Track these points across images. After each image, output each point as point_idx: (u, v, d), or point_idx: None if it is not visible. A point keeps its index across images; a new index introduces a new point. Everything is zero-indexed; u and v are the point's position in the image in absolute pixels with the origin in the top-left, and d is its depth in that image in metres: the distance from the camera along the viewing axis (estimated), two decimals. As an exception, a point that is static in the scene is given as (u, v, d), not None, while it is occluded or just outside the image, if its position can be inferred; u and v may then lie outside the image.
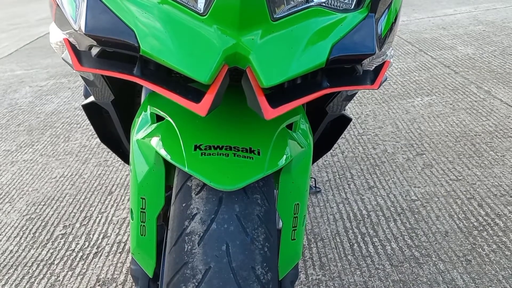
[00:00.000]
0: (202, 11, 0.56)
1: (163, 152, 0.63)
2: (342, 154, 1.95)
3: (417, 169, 1.77)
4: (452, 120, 2.12)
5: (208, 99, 0.55)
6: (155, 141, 0.65)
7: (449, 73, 2.68)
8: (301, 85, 0.61)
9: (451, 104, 2.28)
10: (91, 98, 0.92)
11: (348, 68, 0.64)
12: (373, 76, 0.65)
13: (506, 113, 2.11)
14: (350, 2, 0.62)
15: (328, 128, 1.00)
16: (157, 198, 0.67)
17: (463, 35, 3.35)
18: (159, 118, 0.70)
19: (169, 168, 0.67)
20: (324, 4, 0.60)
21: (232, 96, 0.67)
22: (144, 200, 0.67)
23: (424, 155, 1.85)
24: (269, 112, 0.56)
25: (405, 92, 2.51)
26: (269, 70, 0.55)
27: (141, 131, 0.70)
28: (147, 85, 0.59)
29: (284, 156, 0.64)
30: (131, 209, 0.71)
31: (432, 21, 3.84)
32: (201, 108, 0.56)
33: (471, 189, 1.60)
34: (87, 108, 0.94)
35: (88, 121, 1.14)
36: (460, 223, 1.44)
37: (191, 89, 0.58)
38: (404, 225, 1.46)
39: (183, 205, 0.60)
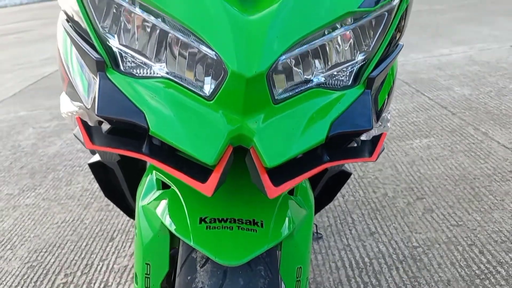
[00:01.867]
0: (208, 96, 0.59)
1: (168, 222, 0.64)
2: (343, 198, 1.96)
3: (418, 214, 1.77)
4: (451, 163, 2.14)
5: (214, 179, 0.58)
6: (160, 210, 0.67)
7: (446, 114, 2.73)
8: (302, 161, 0.63)
9: (449, 146, 2.31)
10: (97, 157, 0.95)
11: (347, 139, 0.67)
12: (371, 147, 0.68)
13: (504, 156, 2.14)
14: (347, 79, 0.66)
15: (328, 183, 1.02)
16: (161, 263, 0.68)
17: (459, 75, 3.42)
18: (164, 184, 0.72)
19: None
20: (323, 85, 0.64)
21: (235, 168, 0.70)
22: (148, 266, 0.68)
23: (424, 199, 1.86)
24: (272, 191, 0.59)
25: (404, 133, 2.54)
26: (271, 151, 0.58)
27: (147, 197, 0.72)
28: (155, 163, 0.61)
29: (287, 225, 0.66)
30: (135, 273, 0.72)
31: (428, 61, 3.93)
32: (207, 188, 0.58)
33: (472, 235, 1.60)
34: (93, 166, 0.96)
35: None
36: (462, 271, 1.44)
37: (197, 167, 0.61)
38: (406, 273, 1.46)
39: (188, 278, 0.61)
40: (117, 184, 1.00)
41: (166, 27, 0.60)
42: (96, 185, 2.37)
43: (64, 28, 0.71)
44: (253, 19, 0.56)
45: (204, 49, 0.58)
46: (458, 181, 1.97)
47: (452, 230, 1.65)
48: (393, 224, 1.72)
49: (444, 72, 3.54)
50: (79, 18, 0.65)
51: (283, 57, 0.58)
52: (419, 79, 3.45)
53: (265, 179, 0.59)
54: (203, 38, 0.57)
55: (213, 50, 0.57)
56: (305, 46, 0.59)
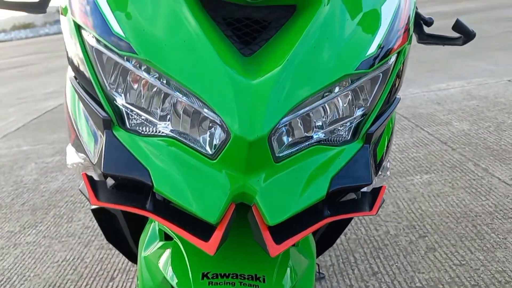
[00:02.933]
0: (211, 155, 0.61)
1: (170, 276, 0.65)
2: (345, 236, 1.96)
3: (420, 253, 1.76)
4: (452, 199, 2.14)
5: (216, 237, 0.59)
6: (162, 262, 0.68)
7: (446, 149, 2.75)
8: (303, 216, 0.65)
9: (450, 183, 2.31)
10: (101, 203, 0.96)
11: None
12: (371, 199, 0.69)
13: (505, 192, 2.14)
14: (346, 134, 0.68)
15: (329, 227, 1.02)
16: None
17: (457, 110, 3.46)
18: (167, 234, 0.73)
19: None
20: (323, 141, 0.66)
21: (237, 224, 0.71)
22: None
23: (426, 238, 1.86)
24: (274, 249, 0.60)
25: (404, 169, 2.55)
26: (273, 209, 0.59)
27: (150, 247, 0.72)
28: (158, 221, 0.62)
29: (289, 278, 0.66)
30: None
31: (426, 95, 3.98)
32: (210, 246, 0.59)
33: (475, 275, 1.59)
34: (96, 212, 0.97)
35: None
36: (466, 313, 1.42)
37: (200, 224, 0.62)
38: (410, 315, 1.44)
39: None
40: (120, 230, 1.00)
41: (170, 91, 0.62)
42: (97, 223, 2.36)
43: (72, 84, 0.74)
44: (255, 84, 0.58)
45: (207, 112, 0.60)
46: (460, 218, 1.97)
47: (455, 269, 1.63)
48: (396, 264, 1.71)
49: (442, 107, 3.58)
50: (87, 76, 0.68)
51: (284, 119, 0.60)
52: (418, 114, 3.49)
53: (267, 237, 0.60)
54: (206, 102, 0.59)
55: (216, 114, 0.59)
56: (306, 108, 0.62)
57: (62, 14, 0.79)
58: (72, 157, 0.80)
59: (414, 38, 1.03)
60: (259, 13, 0.65)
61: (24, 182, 3.11)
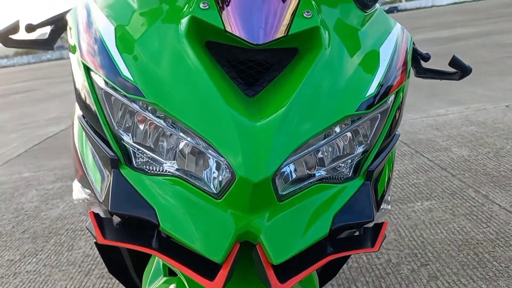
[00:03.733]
0: (216, 195, 0.63)
1: None
2: (347, 265, 1.95)
3: (423, 281, 1.76)
4: (453, 227, 2.14)
5: (221, 276, 0.60)
6: None
7: (446, 176, 2.76)
8: (307, 254, 0.66)
9: (451, 210, 2.32)
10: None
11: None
12: (373, 235, 0.71)
13: (506, 220, 2.14)
14: (348, 171, 0.70)
15: (331, 260, 1.03)
16: None
17: (456, 136, 3.49)
18: (171, 270, 0.74)
19: None
20: (325, 179, 0.67)
21: (241, 261, 0.72)
22: None
23: (428, 266, 1.85)
24: (278, 287, 0.61)
25: (405, 196, 2.56)
26: (278, 248, 0.61)
27: (154, 283, 0.73)
28: (164, 259, 0.64)
29: None
30: None
31: (425, 121, 4.02)
32: (215, 285, 0.60)
33: (479, 304, 1.58)
34: (100, 245, 0.98)
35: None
36: None
37: (205, 262, 0.63)
38: None
39: None
40: (123, 262, 1.01)
41: (176, 132, 0.64)
42: (97, 251, 2.36)
43: (80, 123, 0.76)
44: (259, 126, 0.60)
45: (212, 153, 0.62)
46: (461, 246, 1.97)
47: (458, 299, 1.62)
48: (398, 293, 1.70)
49: (441, 133, 3.61)
50: (95, 115, 0.70)
51: (287, 161, 0.62)
52: (417, 140, 3.52)
53: (271, 275, 0.61)
54: (212, 143, 0.61)
55: (221, 156, 0.61)
56: (308, 149, 0.64)
57: (71, 51, 0.82)
58: (79, 193, 0.81)
59: (412, 72, 1.06)
60: (262, 56, 0.68)
61: (25, 210, 3.11)
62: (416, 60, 1.05)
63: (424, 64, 1.06)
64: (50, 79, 15.39)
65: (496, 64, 6.37)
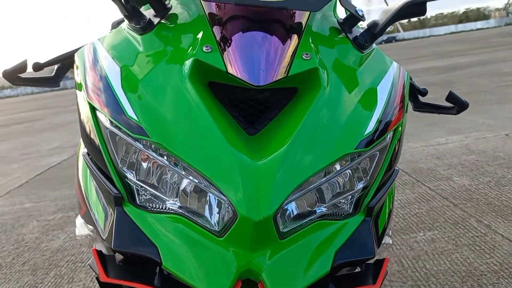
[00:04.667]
0: (218, 232, 0.64)
1: None
2: (349, 297, 1.93)
3: (427, 314, 1.73)
4: (456, 257, 2.13)
5: None
6: None
7: (448, 205, 2.75)
8: None
9: (453, 240, 2.30)
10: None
11: None
12: (374, 272, 0.71)
13: (509, 250, 2.13)
14: (348, 207, 0.71)
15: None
16: None
17: (457, 165, 3.50)
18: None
19: None
20: (326, 216, 0.69)
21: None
22: None
23: (432, 298, 1.83)
24: None
25: (407, 226, 2.55)
26: (280, 286, 0.61)
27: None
28: None
29: None
30: None
31: (426, 150, 4.03)
32: None
33: (484, 338, 1.56)
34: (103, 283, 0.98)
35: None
36: None
37: None
38: None
39: None
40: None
41: (179, 171, 0.66)
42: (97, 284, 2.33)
43: (85, 160, 0.78)
44: (260, 165, 0.62)
45: (215, 193, 0.64)
46: (465, 277, 1.95)
47: (463, 332, 1.60)
48: (402, 326, 1.68)
49: (442, 162, 3.62)
50: (99, 153, 0.72)
51: (288, 199, 0.63)
52: (418, 169, 3.52)
53: None
54: (214, 183, 0.63)
55: (223, 195, 0.62)
56: (309, 187, 0.65)
57: (77, 89, 0.84)
58: (82, 229, 0.82)
59: (410, 106, 1.08)
60: (263, 95, 0.71)
61: (25, 241, 3.10)
62: (414, 95, 1.07)
63: (422, 99, 1.09)
64: (53, 109, 15.53)
65: (494, 92, 6.44)
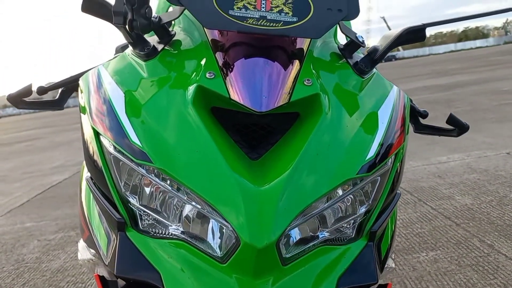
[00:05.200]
0: (221, 259, 0.64)
1: None
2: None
3: (431, 337, 1.71)
4: (460, 278, 2.11)
5: None
6: None
7: (450, 225, 2.74)
8: None
9: (456, 260, 2.28)
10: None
11: None
12: None
13: (513, 271, 2.11)
14: (351, 232, 0.71)
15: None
16: None
17: (459, 183, 3.49)
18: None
19: None
20: (329, 242, 0.69)
21: None
22: None
23: (436, 320, 1.81)
24: None
25: (410, 246, 2.53)
26: None
27: None
28: None
29: None
30: None
31: (427, 169, 4.03)
32: None
33: None
34: None
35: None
36: None
37: None
38: None
39: None
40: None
41: (182, 196, 0.66)
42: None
43: (88, 185, 0.78)
44: (262, 190, 0.62)
45: (217, 219, 0.64)
46: (469, 299, 1.93)
47: None
48: None
49: (444, 181, 3.61)
50: (103, 178, 0.72)
51: (291, 225, 0.63)
52: (420, 188, 3.52)
53: None
54: (217, 209, 0.63)
55: (226, 221, 0.63)
56: (312, 213, 0.66)
57: (81, 112, 0.85)
58: (84, 253, 0.82)
59: (411, 128, 1.09)
60: (265, 120, 0.71)
61: (26, 261, 3.08)
62: (415, 117, 1.08)
63: (423, 121, 1.10)
64: (54, 127, 15.59)
65: (494, 111, 6.46)
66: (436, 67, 22.83)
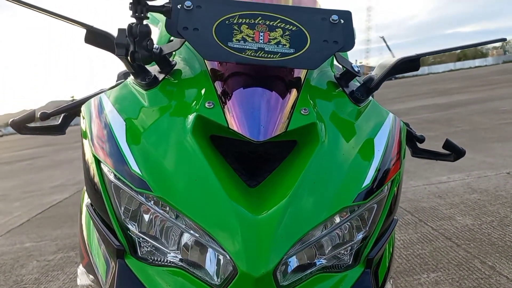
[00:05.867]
0: (218, 287, 0.65)
1: None
2: None
3: None
4: (461, 301, 2.09)
5: None
6: None
7: (451, 246, 2.73)
8: None
9: (457, 282, 2.27)
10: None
11: None
12: None
13: (515, 293, 2.10)
14: (348, 259, 0.72)
15: None
16: None
17: (459, 204, 3.49)
18: None
19: None
20: (326, 269, 0.69)
21: None
22: None
23: None
24: None
25: (411, 267, 2.52)
26: None
27: None
28: None
29: None
30: None
31: (427, 188, 4.02)
32: None
33: None
34: None
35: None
36: None
37: None
38: None
39: None
40: None
41: (180, 224, 0.67)
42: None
43: (88, 211, 0.80)
44: (260, 219, 0.64)
45: (215, 247, 0.65)
46: (470, 322, 1.91)
47: None
48: None
49: (444, 201, 3.61)
50: (103, 205, 0.73)
51: (288, 254, 0.64)
52: (420, 208, 3.51)
53: None
54: (214, 237, 0.64)
55: (224, 250, 0.63)
56: (309, 241, 0.66)
57: (82, 137, 0.87)
58: (83, 279, 0.83)
59: (408, 152, 1.10)
60: (263, 147, 0.73)
61: (24, 282, 3.06)
62: (412, 141, 1.10)
63: (420, 145, 1.11)
64: (55, 146, 15.62)
65: (494, 130, 6.48)
66: (435, 86, 22.96)
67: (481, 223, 3.01)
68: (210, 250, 0.66)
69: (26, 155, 14.02)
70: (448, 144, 1.03)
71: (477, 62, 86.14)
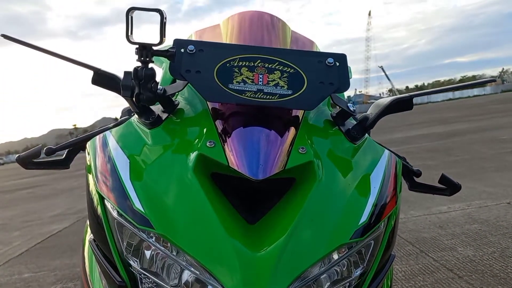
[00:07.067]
0: None
1: None
2: None
3: None
4: (464, 334, 2.07)
5: None
6: None
7: (453, 277, 2.71)
8: None
9: (460, 315, 2.25)
10: None
11: None
12: None
13: (518, 327, 2.07)
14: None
15: None
16: None
17: (460, 234, 3.47)
18: None
19: None
20: None
21: None
22: None
23: None
24: None
25: (412, 299, 2.49)
26: None
27: None
28: None
29: None
30: None
31: (428, 218, 4.01)
32: None
33: None
34: None
35: None
36: None
37: None
38: None
39: None
40: None
41: (181, 262, 0.69)
42: None
43: (91, 247, 0.81)
44: (259, 256, 0.65)
45: (215, 285, 0.66)
46: None
47: None
48: None
49: (445, 231, 3.60)
50: (105, 241, 0.75)
51: None
52: (421, 238, 3.50)
53: None
54: (214, 275, 0.66)
55: (223, 287, 0.65)
56: (307, 278, 0.68)
57: (87, 171, 0.89)
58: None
59: (406, 185, 1.13)
60: (263, 185, 0.75)
61: (22, 314, 3.02)
62: (409, 176, 1.12)
63: (417, 179, 1.13)
64: (56, 174, 15.62)
65: (493, 160, 6.49)
66: (434, 115, 23.11)
67: (483, 254, 3.00)
68: (210, 287, 0.67)
69: (26, 184, 14.01)
70: (444, 179, 1.05)
71: (476, 91, 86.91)
